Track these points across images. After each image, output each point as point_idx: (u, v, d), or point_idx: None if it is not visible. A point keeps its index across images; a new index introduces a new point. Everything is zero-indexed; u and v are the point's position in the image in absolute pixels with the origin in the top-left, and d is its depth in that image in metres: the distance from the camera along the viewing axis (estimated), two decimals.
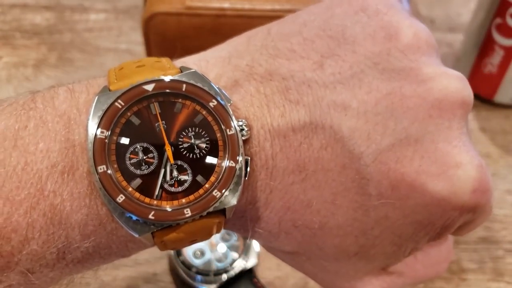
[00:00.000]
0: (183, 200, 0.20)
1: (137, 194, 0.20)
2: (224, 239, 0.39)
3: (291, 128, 0.21)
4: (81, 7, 0.60)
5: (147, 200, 0.20)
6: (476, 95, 0.52)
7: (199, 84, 0.21)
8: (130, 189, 0.20)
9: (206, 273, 0.37)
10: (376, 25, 0.22)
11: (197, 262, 0.37)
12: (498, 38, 0.47)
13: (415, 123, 0.21)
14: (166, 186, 0.20)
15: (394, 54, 0.22)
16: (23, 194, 0.19)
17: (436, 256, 0.24)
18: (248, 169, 0.21)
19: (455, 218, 0.21)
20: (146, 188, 0.20)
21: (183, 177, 0.20)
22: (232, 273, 0.37)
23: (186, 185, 0.20)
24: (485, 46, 0.49)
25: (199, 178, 0.20)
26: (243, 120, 0.21)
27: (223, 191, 0.20)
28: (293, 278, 0.39)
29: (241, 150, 0.20)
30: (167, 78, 0.21)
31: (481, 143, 0.49)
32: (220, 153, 0.20)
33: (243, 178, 0.20)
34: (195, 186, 0.20)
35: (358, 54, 0.21)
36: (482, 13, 0.48)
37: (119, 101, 0.20)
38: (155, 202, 0.20)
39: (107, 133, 0.20)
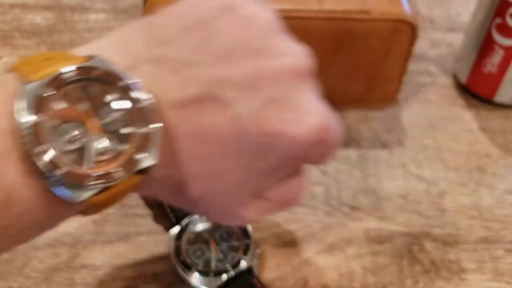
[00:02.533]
0: (112, 165, 0.24)
1: (72, 167, 0.23)
2: (224, 239, 0.39)
3: (187, 101, 0.26)
4: (81, 7, 0.60)
5: (82, 170, 0.23)
6: (476, 95, 0.52)
7: (109, 70, 0.24)
8: (64, 164, 0.23)
9: (206, 273, 0.37)
10: (234, 18, 0.28)
11: (197, 262, 0.37)
12: (498, 38, 0.47)
13: (276, 87, 0.28)
14: (95, 156, 0.24)
15: (254, 38, 0.28)
16: None
17: (293, 187, 0.32)
18: (159, 137, 0.25)
19: (312, 151, 0.29)
20: (79, 160, 0.23)
21: (109, 147, 0.24)
22: (232, 273, 0.37)
23: (113, 153, 0.24)
24: (485, 46, 0.49)
25: (122, 146, 0.24)
26: (150, 94, 0.25)
27: (144, 153, 0.24)
28: (293, 278, 0.39)
29: (154, 118, 0.25)
30: (81, 65, 0.24)
31: (481, 143, 0.49)
32: (137, 123, 0.25)
33: (158, 142, 0.25)
34: (120, 152, 0.24)
35: (225, 40, 0.28)
36: (482, 13, 0.48)
37: (45, 88, 0.23)
38: (88, 171, 0.23)
39: (37, 117, 0.22)
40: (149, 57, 0.27)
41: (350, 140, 0.49)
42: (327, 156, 0.31)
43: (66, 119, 0.24)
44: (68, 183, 0.23)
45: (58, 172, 0.22)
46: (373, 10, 0.43)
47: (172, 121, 0.26)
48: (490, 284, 0.39)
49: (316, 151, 0.30)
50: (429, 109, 0.52)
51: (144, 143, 0.25)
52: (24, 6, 0.60)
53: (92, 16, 0.59)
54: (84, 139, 0.24)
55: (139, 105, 0.25)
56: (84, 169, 0.23)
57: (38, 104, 0.23)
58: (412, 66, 0.55)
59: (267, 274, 0.39)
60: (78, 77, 0.24)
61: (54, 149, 0.23)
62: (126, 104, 0.25)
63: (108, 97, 0.25)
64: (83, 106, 0.24)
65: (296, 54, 0.29)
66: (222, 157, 0.28)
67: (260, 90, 0.27)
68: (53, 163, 0.22)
